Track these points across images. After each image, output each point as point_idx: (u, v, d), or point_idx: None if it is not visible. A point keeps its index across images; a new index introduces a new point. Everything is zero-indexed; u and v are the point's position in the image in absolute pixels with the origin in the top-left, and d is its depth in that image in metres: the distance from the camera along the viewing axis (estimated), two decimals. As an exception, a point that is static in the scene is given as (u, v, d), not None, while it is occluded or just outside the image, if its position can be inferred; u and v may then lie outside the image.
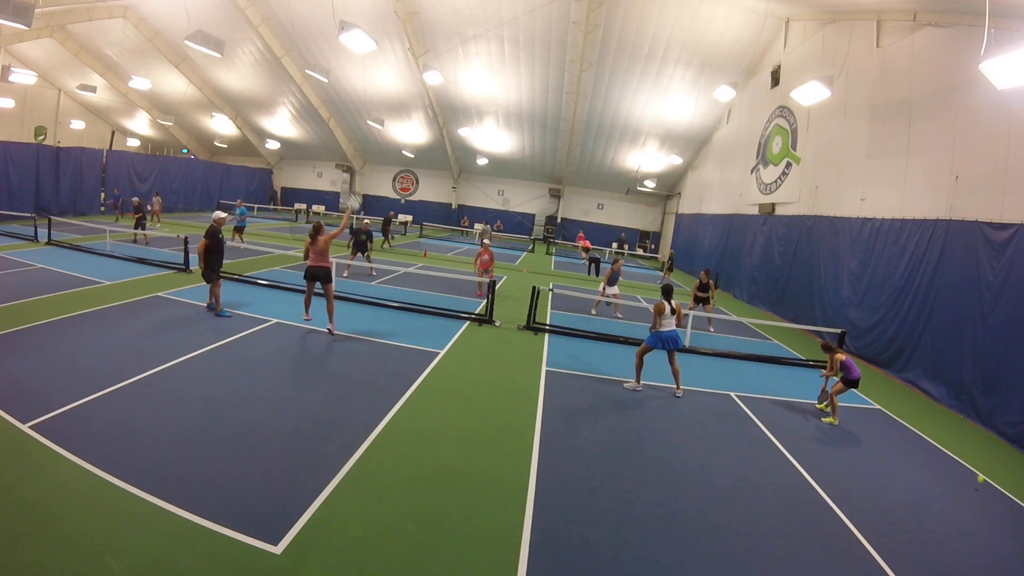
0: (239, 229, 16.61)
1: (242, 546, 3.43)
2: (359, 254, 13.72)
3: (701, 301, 11.94)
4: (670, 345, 7.27)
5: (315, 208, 34.15)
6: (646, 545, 3.98)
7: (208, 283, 8.70)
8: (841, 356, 7.00)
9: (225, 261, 9.28)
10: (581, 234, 28.63)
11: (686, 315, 10.90)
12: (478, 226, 30.08)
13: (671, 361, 7.38)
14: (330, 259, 8.41)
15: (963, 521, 4.94)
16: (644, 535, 4.10)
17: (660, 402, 7.11)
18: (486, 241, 13.21)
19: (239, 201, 18.05)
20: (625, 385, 7.47)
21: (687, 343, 10.07)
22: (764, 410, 7.20)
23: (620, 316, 12.33)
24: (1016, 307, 7.28)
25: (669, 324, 7.28)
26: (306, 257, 8.42)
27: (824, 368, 7.42)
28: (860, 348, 10.71)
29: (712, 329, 12.04)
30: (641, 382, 7.48)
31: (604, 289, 12.16)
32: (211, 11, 19.92)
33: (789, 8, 14.96)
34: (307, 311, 8.42)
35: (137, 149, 32.43)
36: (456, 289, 13.14)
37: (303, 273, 8.47)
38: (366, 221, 14.85)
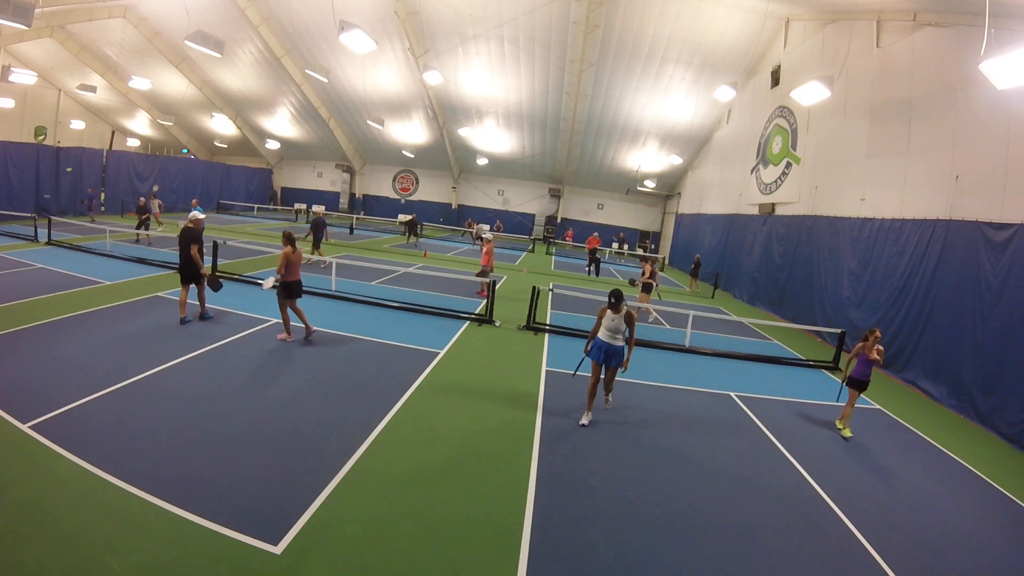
0: None
1: (242, 546, 3.44)
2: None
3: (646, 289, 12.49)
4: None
5: (315, 208, 34.09)
6: (646, 545, 3.98)
7: (215, 291, 8.64)
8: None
9: (223, 261, 9.26)
10: (571, 232, 28.95)
11: (687, 314, 10.96)
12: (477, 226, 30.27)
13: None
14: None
15: (963, 521, 4.95)
16: (644, 535, 4.10)
17: (660, 402, 7.10)
18: (486, 236, 13.29)
19: (195, 201, 17.86)
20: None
21: (687, 343, 10.09)
22: (764, 410, 7.20)
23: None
24: (1016, 307, 7.28)
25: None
26: (282, 269, 7.63)
27: (831, 367, 7.38)
28: (860, 348, 10.71)
29: (650, 320, 12.38)
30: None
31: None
32: (211, 11, 19.93)
33: (789, 8, 14.96)
34: (289, 329, 7.81)
35: (137, 149, 32.42)
36: (456, 289, 13.15)
37: (284, 291, 7.64)
38: (316, 208, 14.99)
